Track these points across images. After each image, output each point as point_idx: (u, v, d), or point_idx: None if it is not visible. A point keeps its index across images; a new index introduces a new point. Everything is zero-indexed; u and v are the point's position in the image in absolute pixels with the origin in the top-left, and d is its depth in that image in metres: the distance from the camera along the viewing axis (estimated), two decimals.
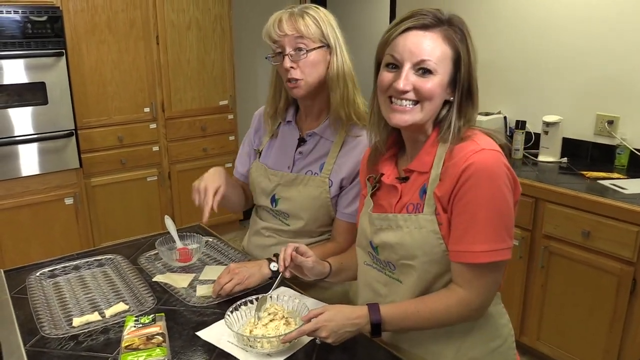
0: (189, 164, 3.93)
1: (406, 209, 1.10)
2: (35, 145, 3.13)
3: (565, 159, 2.77)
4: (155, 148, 3.79)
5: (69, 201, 3.34)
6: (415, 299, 1.10)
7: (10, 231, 3.15)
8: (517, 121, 2.87)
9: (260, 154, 1.56)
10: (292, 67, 1.31)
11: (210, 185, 1.39)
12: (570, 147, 2.83)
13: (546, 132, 2.75)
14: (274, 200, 1.49)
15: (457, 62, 1.04)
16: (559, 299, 2.43)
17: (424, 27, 1.03)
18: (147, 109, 3.69)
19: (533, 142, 2.95)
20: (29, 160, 3.14)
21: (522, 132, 2.84)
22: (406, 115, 1.06)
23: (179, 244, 1.63)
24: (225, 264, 1.60)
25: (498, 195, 1.00)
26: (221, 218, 3.87)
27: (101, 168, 3.55)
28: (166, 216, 1.70)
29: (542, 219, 2.42)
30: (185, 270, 1.57)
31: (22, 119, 3.07)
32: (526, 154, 2.88)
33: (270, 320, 1.18)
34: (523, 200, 2.46)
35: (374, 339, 1.13)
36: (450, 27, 1.04)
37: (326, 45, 1.33)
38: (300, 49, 1.30)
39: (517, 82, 3.11)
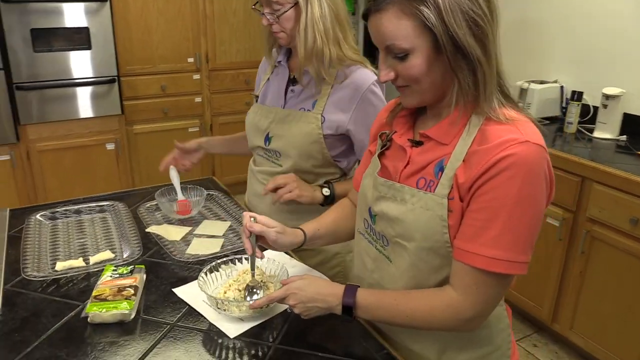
0: (231, 117, 3.91)
1: (416, 183, 0.95)
2: (78, 89, 3.20)
3: (624, 137, 2.50)
4: (198, 99, 3.78)
5: (110, 146, 3.42)
6: (400, 291, 0.98)
7: (54, 172, 3.27)
8: (573, 92, 2.61)
9: (257, 97, 1.58)
10: (271, 24, 1.38)
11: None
12: (631, 124, 2.54)
13: (605, 106, 2.49)
14: (267, 139, 1.49)
15: (431, 30, 0.86)
16: (597, 288, 2.24)
17: (378, 9, 0.87)
18: (191, 59, 3.66)
19: (590, 116, 2.69)
20: (72, 105, 3.21)
21: (578, 104, 2.58)
22: (407, 98, 0.95)
23: (180, 196, 1.59)
24: (225, 220, 1.55)
25: (531, 200, 0.84)
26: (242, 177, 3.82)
27: (143, 116, 3.59)
28: (171, 167, 1.66)
29: (588, 200, 2.20)
30: (183, 223, 1.53)
31: (65, 64, 3.13)
32: (580, 129, 2.63)
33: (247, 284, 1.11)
34: (568, 179, 2.25)
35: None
36: None
37: (295, 4, 1.34)
38: (275, 10, 1.35)
39: (578, 48, 2.81)
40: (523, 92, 2.84)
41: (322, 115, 1.39)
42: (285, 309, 1.11)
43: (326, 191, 1.43)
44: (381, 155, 1.06)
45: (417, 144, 0.98)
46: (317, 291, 1.01)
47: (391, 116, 1.06)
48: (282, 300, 1.03)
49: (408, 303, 0.94)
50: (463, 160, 0.88)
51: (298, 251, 1.40)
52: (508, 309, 1.07)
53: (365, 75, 1.37)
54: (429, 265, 0.94)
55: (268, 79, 1.55)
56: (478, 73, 0.85)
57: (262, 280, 1.14)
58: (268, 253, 1.27)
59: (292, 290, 1.01)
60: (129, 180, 3.56)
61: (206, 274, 1.16)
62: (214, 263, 1.19)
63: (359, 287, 1.00)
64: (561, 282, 2.40)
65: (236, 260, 1.22)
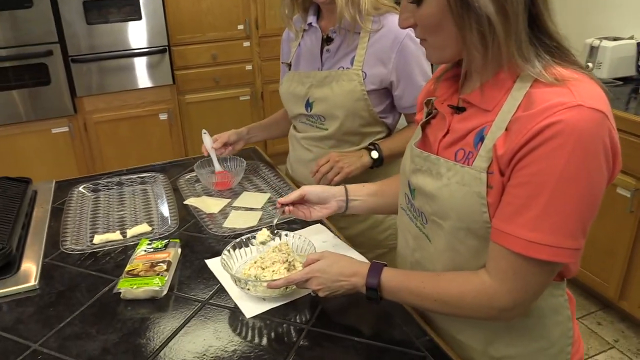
0: None
1: (454, 155, 0.85)
2: (130, 60, 3.23)
3: None
4: (249, 67, 3.73)
5: (163, 116, 3.45)
6: (429, 273, 0.91)
7: (111, 142, 3.35)
8: None
9: (290, 65, 1.51)
10: None
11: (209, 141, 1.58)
12: None
13: None
14: (308, 105, 1.44)
15: None
16: None
17: None
18: (240, 27, 3.61)
19: None
20: (125, 76, 3.25)
21: None
22: (428, 53, 0.86)
23: (217, 166, 1.55)
24: (265, 192, 1.51)
25: (582, 175, 0.72)
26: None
27: (194, 85, 3.59)
28: (203, 131, 1.60)
29: None
30: (222, 195, 1.50)
31: (118, 35, 3.15)
32: None
33: (273, 263, 1.06)
34: (639, 144, 2.04)
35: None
36: None
37: None
38: None
39: None
40: (593, 50, 2.59)
41: (362, 71, 1.35)
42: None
43: (374, 154, 1.38)
44: (426, 124, 0.96)
45: (458, 110, 0.87)
46: (340, 272, 0.94)
47: (438, 80, 0.96)
48: (302, 283, 0.97)
49: (436, 286, 0.86)
50: (505, 129, 0.77)
51: (344, 216, 1.35)
52: (571, 298, 0.95)
53: None
54: (468, 248, 0.85)
55: (299, 44, 1.48)
56: (487, 32, 0.74)
57: (287, 260, 1.07)
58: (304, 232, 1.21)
59: (313, 274, 0.95)
60: (181, 150, 3.60)
61: (234, 249, 1.12)
62: (240, 239, 1.15)
63: (386, 265, 0.93)
64: (631, 258, 2.21)
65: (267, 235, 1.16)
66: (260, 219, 1.35)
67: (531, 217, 0.74)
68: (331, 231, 1.29)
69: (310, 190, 1.16)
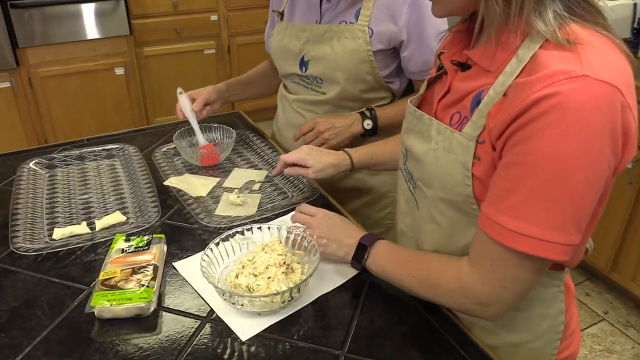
0: (250, 37, 3.52)
1: (450, 118, 0.76)
2: (80, 7, 2.83)
3: None
4: (214, 17, 3.39)
5: (119, 71, 3.10)
6: (418, 251, 0.86)
7: (60, 100, 2.98)
8: None
9: (282, 15, 1.30)
10: None
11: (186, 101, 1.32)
12: None
13: None
14: (303, 64, 1.24)
15: None
16: None
17: None
18: None
19: None
20: (74, 24, 2.86)
21: None
22: (434, 6, 0.75)
23: (201, 139, 1.30)
24: (260, 168, 1.28)
25: (581, 159, 0.61)
26: (259, 103, 3.42)
27: (154, 36, 3.23)
28: (179, 90, 1.32)
29: None
30: (208, 171, 1.26)
31: None
32: None
33: (267, 267, 0.84)
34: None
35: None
36: None
37: None
38: None
39: None
40: None
41: (369, 28, 1.15)
42: (313, 301, 0.86)
43: (368, 123, 1.22)
44: (436, 80, 0.85)
45: (462, 67, 0.77)
46: (343, 225, 0.93)
47: (448, 34, 0.86)
48: (306, 220, 0.95)
49: (418, 263, 0.81)
50: (504, 95, 0.67)
51: (341, 191, 1.27)
52: (569, 289, 0.85)
53: None
54: (449, 222, 0.77)
55: None
56: None
57: (285, 262, 0.86)
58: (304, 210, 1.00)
59: (319, 217, 0.94)
60: (141, 109, 3.27)
61: (217, 246, 0.90)
62: (227, 233, 0.92)
63: (382, 238, 0.89)
64: (626, 229, 2.13)
65: (258, 227, 0.95)
66: (260, 204, 1.13)
67: (515, 202, 0.65)
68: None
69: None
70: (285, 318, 0.82)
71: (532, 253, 0.65)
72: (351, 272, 0.90)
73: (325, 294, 0.87)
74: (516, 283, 0.70)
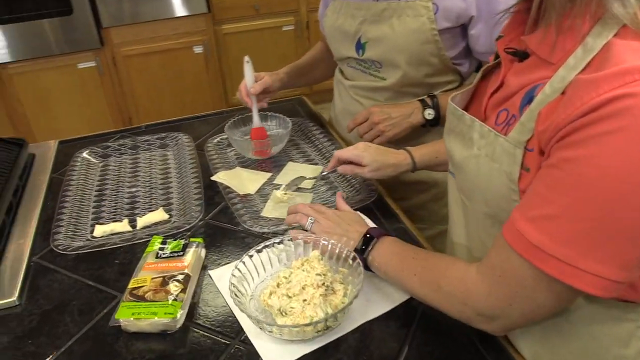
0: None
1: (496, 117, 0.65)
2: None
3: None
4: None
5: (198, 49, 3.10)
6: (425, 250, 0.80)
7: (142, 79, 3.04)
8: None
9: None
10: None
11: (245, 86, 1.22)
12: None
13: None
14: (360, 47, 1.13)
15: None
16: None
17: None
18: None
19: None
20: (155, 3, 2.88)
21: None
22: None
23: (256, 121, 1.21)
24: (315, 163, 1.18)
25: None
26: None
27: (232, 14, 3.19)
28: (246, 59, 1.21)
29: None
30: (261, 165, 1.18)
31: None
32: None
33: (303, 287, 0.74)
34: None
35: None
36: None
37: None
38: None
39: None
40: None
41: (433, 3, 1.03)
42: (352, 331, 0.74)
43: (429, 112, 1.10)
44: (493, 70, 0.73)
45: (520, 56, 0.65)
46: (352, 218, 0.86)
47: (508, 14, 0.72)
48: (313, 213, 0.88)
49: (423, 261, 0.73)
50: (562, 92, 0.54)
51: (404, 185, 1.16)
52: None
53: None
54: (491, 224, 0.67)
55: None
56: None
57: (324, 282, 0.75)
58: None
59: (324, 216, 0.87)
60: (219, 88, 3.27)
61: (251, 258, 0.80)
62: (265, 244, 0.83)
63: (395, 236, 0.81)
64: None
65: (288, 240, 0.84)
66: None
67: (546, 214, 0.54)
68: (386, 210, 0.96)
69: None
70: (321, 347, 0.72)
71: (555, 276, 0.54)
72: (400, 298, 0.79)
73: (370, 320, 0.76)
74: (527, 304, 0.59)
